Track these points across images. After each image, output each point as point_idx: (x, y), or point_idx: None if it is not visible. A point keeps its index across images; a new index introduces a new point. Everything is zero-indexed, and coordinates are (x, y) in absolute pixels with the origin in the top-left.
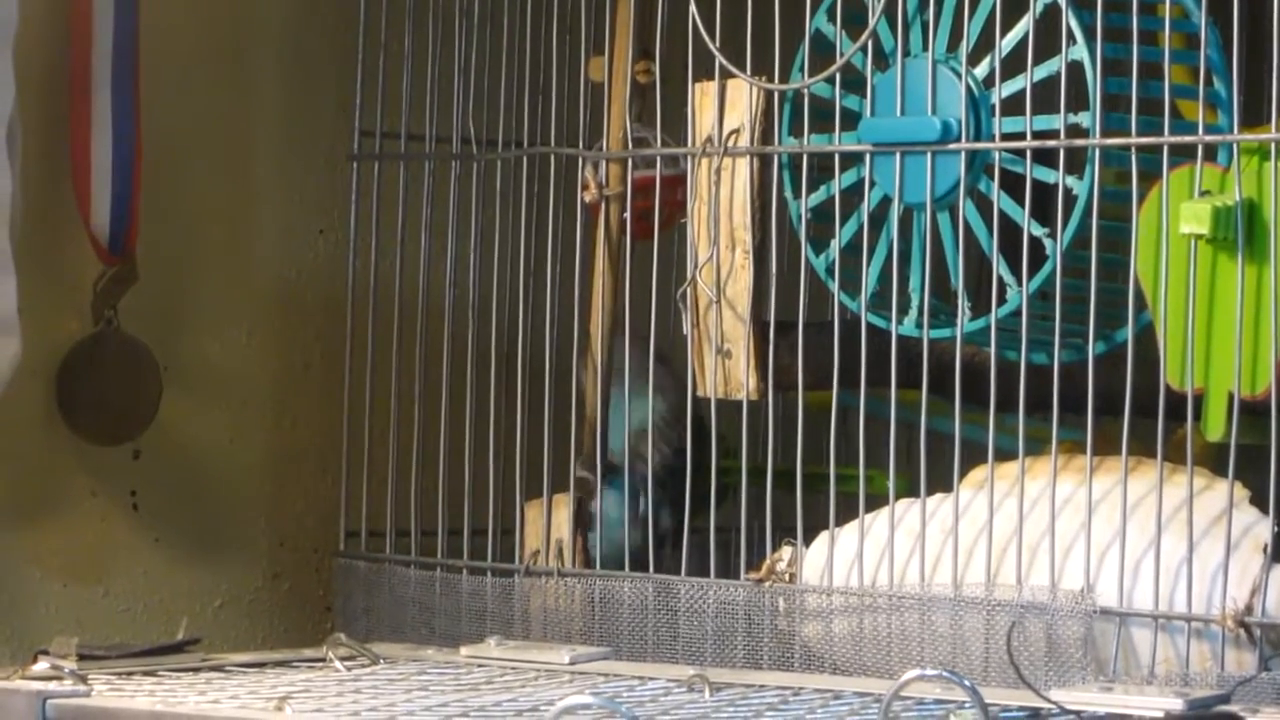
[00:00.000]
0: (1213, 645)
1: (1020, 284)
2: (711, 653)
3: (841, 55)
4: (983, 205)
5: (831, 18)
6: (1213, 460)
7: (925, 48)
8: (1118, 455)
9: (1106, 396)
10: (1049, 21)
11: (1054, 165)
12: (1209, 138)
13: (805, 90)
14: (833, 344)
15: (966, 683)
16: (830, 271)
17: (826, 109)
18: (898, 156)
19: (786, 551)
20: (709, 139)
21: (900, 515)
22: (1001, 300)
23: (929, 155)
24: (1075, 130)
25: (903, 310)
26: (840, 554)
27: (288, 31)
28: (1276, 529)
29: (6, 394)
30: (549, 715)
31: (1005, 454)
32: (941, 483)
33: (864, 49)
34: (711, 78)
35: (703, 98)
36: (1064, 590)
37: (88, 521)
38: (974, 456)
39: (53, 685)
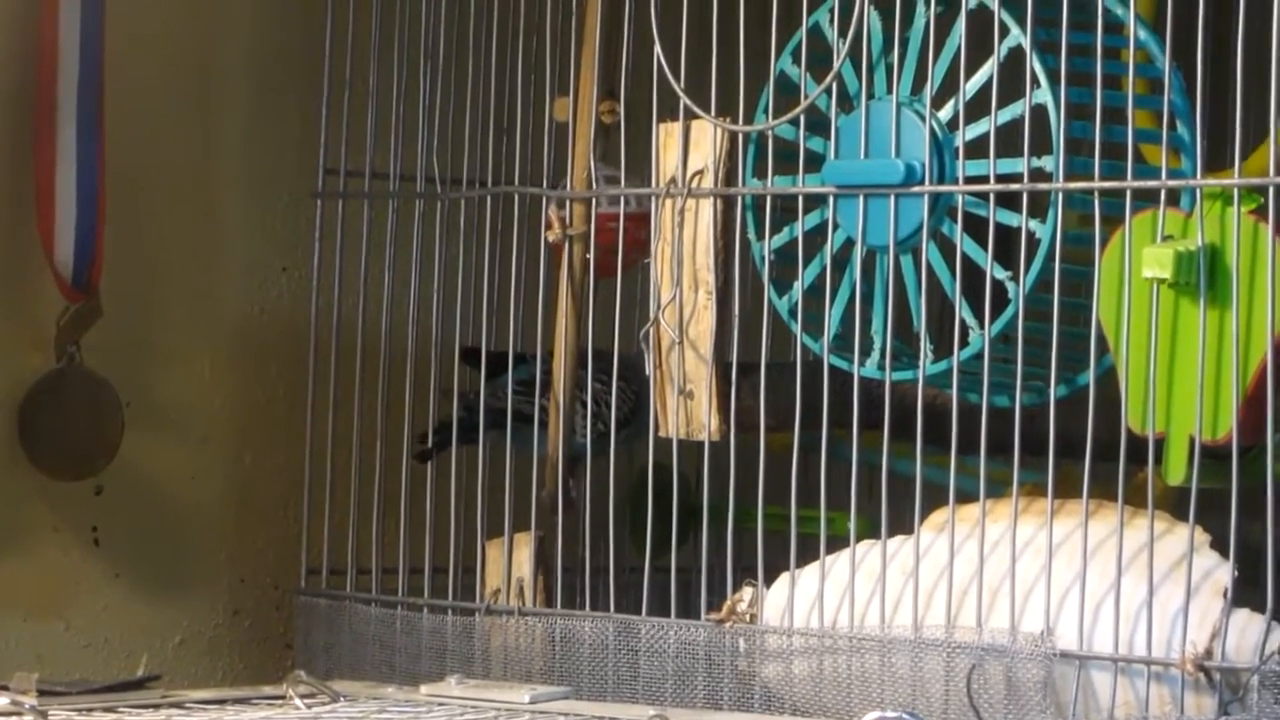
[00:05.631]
0: (1172, 689)
1: (982, 327)
2: (672, 693)
3: (806, 97)
4: (945, 248)
5: (796, 59)
6: (1173, 504)
7: (889, 90)
8: (1079, 498)
9: (1068, 439)
10: (1013, 65)
11: (1017, 209)
12: (1172, 182)
13: (769, 132)
14: (795, 385)
15: None
16: (793, 313)
17: (790, 150)
18: (861, 199)
19: (747, 592)
20: (673, 179)
21: (861, 557)
22: (964, 343)
23: (892, 198)
24: (1038, 174)
25: (865, 352)
26: (801, 595)
27: (253, 69)
28: (1236, 573)
29: None
30: None
31: (966, 496)
32: (903, 524)
33: (828, 91)
34: (676, 118)
35: (667, 138)
36: (1024, 633)
37: (49, 557)
38: (935, 498)
39: None
